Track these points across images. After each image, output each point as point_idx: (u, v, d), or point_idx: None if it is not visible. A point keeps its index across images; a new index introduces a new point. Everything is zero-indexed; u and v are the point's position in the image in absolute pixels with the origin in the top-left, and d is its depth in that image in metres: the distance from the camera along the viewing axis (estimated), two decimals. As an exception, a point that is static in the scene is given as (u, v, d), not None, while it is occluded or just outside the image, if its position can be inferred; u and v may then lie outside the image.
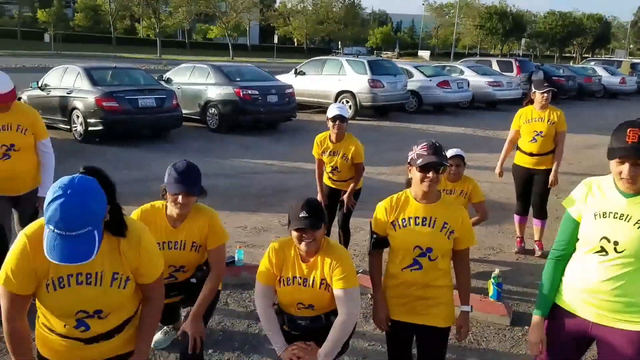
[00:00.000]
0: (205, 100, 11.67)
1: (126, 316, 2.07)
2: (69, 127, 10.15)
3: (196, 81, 12.09)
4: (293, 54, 62.03)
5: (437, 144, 2.43)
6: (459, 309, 2.61)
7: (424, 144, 2.42)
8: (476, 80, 17.12)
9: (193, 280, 3.00)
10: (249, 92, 11.24)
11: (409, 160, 2.48)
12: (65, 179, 1.75)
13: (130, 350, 2.12)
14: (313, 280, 2.51)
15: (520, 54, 69.53)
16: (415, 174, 2.43)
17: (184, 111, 11.02)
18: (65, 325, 1.97)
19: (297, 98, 12.83)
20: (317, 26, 65.22)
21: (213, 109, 11.59)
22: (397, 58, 53.32)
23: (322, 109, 13.49)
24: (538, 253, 5.24)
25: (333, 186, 4.68)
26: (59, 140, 9.05)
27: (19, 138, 3.74)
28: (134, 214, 2.77)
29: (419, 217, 2.48)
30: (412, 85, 15.52)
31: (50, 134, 4.10)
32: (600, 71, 23.30)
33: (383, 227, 2.56)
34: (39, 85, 10.81)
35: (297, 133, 11.87)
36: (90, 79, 9.91)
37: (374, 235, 2.60)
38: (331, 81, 14.55)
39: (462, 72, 17.95)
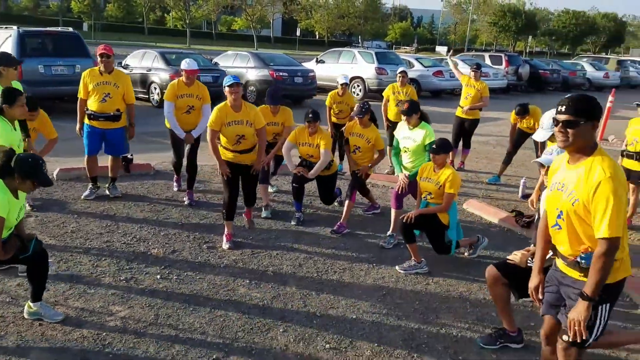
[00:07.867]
0: (245, 80, 14.95)
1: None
2: (147, 96, 13.58)
3: (239, 65, 15.44)
4: (314, 47, 65.08)
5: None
6: None
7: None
8: (467, 71, 20.12)
9: None
10: (281, 74, 14.56)
11: None
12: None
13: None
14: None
15: (532, 51, 71.49)
16: None
17: (230, 88, 14.32)
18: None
19: (317, 82, 16.09)
20: (338, 20, 68.05)
21: (252, 87, 14.88)
22: (415, 53, 56.08)
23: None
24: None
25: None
26: (138, 107, 12.47)
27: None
28: None
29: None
30: (412, 74, 18.62)
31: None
32: (587, 67, 26.16)
33: None
34: (122, 65, 14.25)
35: (317, 108, 15.12)
36: (165, 60, 13.33)
37: None
38: (345, 68, 17.78)
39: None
